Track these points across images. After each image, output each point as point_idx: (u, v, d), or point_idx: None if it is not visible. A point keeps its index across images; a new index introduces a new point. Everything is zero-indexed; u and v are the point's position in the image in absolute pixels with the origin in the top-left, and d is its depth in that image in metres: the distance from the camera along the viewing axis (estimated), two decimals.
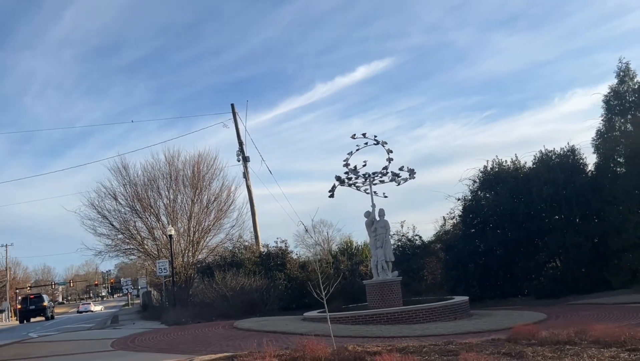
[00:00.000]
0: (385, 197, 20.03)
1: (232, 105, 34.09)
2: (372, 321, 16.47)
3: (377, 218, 19.37)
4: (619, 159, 25.42)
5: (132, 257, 38.57)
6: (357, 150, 19.55)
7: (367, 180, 19.47)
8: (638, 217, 23.35)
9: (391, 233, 22.00)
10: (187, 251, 33.62)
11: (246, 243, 31.69)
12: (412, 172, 19.35)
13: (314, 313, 18.65)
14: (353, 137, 19.52)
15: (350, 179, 19.72)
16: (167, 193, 34.35)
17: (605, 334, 9.14)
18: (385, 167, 19.43)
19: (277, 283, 26.88)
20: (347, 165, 19.51)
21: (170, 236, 29.33)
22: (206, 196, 34.78)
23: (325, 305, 10.16)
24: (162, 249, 33.90)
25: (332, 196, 19.94)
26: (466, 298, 18.53)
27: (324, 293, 10.09)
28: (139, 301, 64.52)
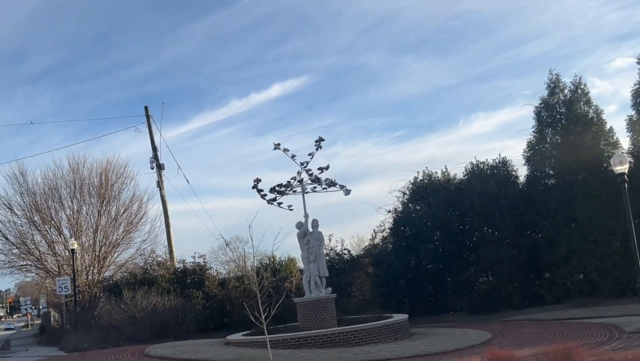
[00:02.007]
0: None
1: (146, 108, 31.44)
2: (306, 345, 14.68)
3: (310, 230, 17.68)
4: (549, 171, 25.16)
5: (30, 274, 34.74)
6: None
7: (299, 187, 17.75)
8: (571, 230, 23.04)
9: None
10: (92, 268, 30.44)
11: (159, 259, 29.00)
12: (325, 168, 17.97)
13: (238, 337, 16.62)
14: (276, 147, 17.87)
15: (279, 188, 17.96)
16: (70, 203, 31.10)
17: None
18: (313, 170, 17.83)
19: (194, 303, 24.51)
20: (281, 148, 17.79)
21: (73, 250, 26.26)
22: (115, 208, 31.80)
23: (265, 329, 8.28)
24: (64, 265, 30.55)
25: (278, 204, 18.18)
26: (406, 316, 17.15)
27: (263, 316, 8.20)
28: (40, 322, 59.24)
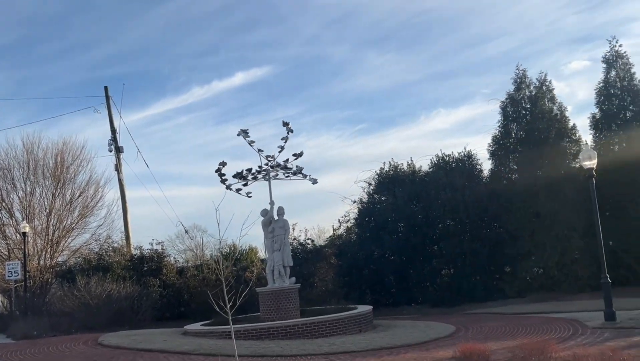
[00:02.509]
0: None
1: (106, 88, 30.27)
2: (268, 336, 14.25)
3: (276, 217, 17.21)
4: (513, 166, 25.27)
5: None
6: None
7: (264, 172, 17.23)
8: (533, 224, 23.16)
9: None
10: (44, 253, 29.17)
11: (115, 245, 27.99)
12: (299, 155, 17.46)
13: (196, 326, 16.06)
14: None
15: (244, 173, 17.37)
16: (23, 184, 29.65)
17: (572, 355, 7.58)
18: (285, 156, 17.31)
19: (150, 291, 23.69)
20: (244, 135, 17.16)
21: (24, 233, 25.08)
22: (70, 191, 30.45)
23: (230, 319, 7.80)
24: (15, 249, 29.22)
25: (237, 191, 17.57)
26: (370, 307, 16.87)
27: (228, 306, 7.72)
28: None
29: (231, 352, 12.37)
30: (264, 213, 17.24)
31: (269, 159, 17.27)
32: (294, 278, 17.35)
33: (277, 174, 17.44)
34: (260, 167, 17.37)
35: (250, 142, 17.07)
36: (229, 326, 14.90)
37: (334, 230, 27.89)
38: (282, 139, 17.22)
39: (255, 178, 17.64)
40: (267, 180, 17.53)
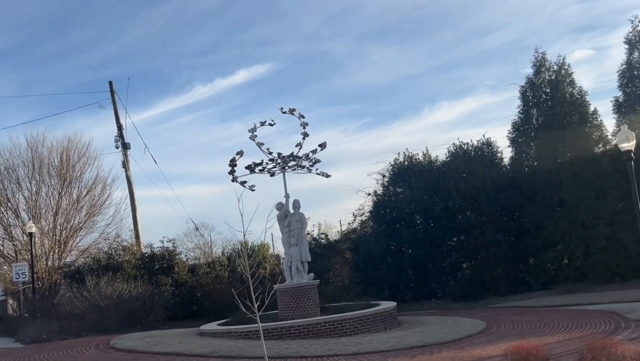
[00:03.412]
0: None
1: (110, 83, 29.49)
2: (290, 335, 13.44)
3: (291, 211, 16.38)
4: (534, 153, 24.32)
5: None
6: (270, 125, 16.41)
7: (279, 163, 16.37)
8: (557, 213, 22.26)
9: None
10: (52, 253, 28.48)
11: (125, 243, 27.27)
12: (322, 146, 16.52)
13: (213, 326, 15.26)
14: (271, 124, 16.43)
15: (255, 166, 16.48)
16: (28, 184, 28.98)
17: None
18: (299, 144, 16.40)
19: (162, 290, 22.98)
20: (253, 137, 16.24)
21: (31, 234, 24.39)
22: (77, 189, 29.76)
23: (259, 320, 7.00)
24: (22, 251, 28.56)
25: (250, 188, 16.69)
26: (394, 304, 16.01)
27: (256, 305, 6.92)
28: None
29: (252, 354, 11.61)
30: (279, 206, 16.41)
31: (276, 154, 16.41)
32: (312, 274, 16.53)
33: (296, 167, 16.55)
34: (273, 159, 16.50)
35: (259, 144, 16.17)
36: (247, 326, 14.19)
37: (348, 224, 27.08)
38: (301, 134, 16.39)
39: (265, 170, 16.73)
40: (278, 174, 16.69)
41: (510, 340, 11.98)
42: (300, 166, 16.50)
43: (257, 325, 13.94)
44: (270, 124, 16.59)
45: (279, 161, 16.25)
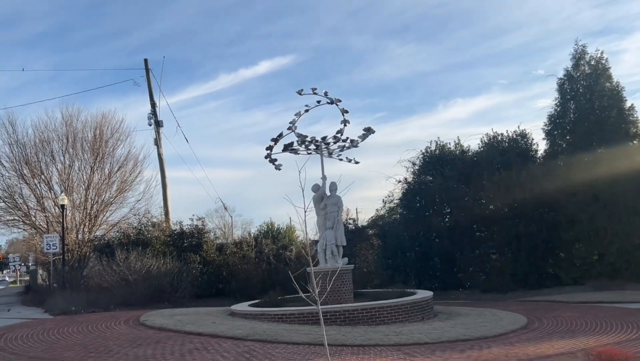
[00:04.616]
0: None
1: (146, 60, 28.55)
2: (325, 321, 12.39)
3: (328, 193, 15.35)
4: (570, 146, 22.95)
5: (17, 230, 31.90)
6: (307, 110, 15.25)
7: (319, 146, 15.28)
8: (592, 208, 20.96)
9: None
10: (82, 226, 27.83)
11: (154, 220, 26.49)
12: (368, 131, 15.36)
13: (244, 307, 14.32)
14: (300, 92, 15.13)
15: (295, 143, 15.40)
16: (62, 157, 28.31)
17: None
18: (340, 131, 15.28)
19: (190, 267, 22.14)
20: (293, 128, 15.13)
21: (63, 206, 23.66)
22: (109, 165, 29.07)
23: (319, 306, 6.00)
24: (53, 223, 27.93)
25: (277, 167, 15.65)
26: (431, 293, 14.94)
27: (317, 290, 5.92)
28: (28, 278, 56.50)
29: (288, 339, 10.64)
30: (316, 188, 15.39)
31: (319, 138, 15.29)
32: (346, 259, 15.54)
33: (337, 150, 15.48)
34: (312, 140, 15.40)
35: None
36: (282, 309, 13.21)
37: (376, 211, 26.02)
38: (342, 122, 15.28)
39: (304, 151, 15.65)
40: (322, 154, 15.62)
41: (560, 337, 10.91)
42: (343, 148, 15.45)
43: (292, 308, 13.04)
44: (307, 109, 15.42)
45: (319, 142, 15.16)
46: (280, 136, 14.42)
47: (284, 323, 12.45)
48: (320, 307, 6.01)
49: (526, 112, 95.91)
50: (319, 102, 15.09)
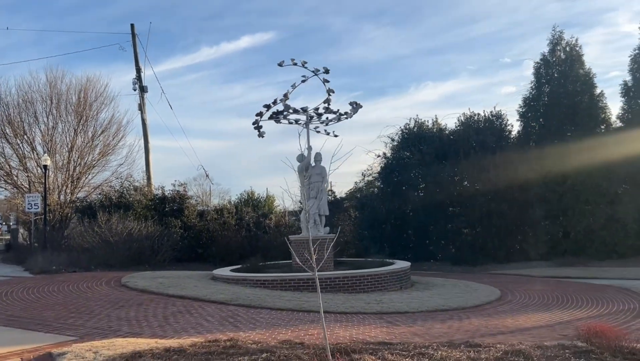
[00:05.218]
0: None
1: (132, 25, 27.27)
2: (307, 288, 12.06)
3: (313, 164, 14.86)
4: (542, 128, 22.82)
5: None
6: (303, 81, 14.53)
7: (312, 116, 14.69)
8: (562, 188, 20.93)
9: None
10: (64, 188, 26.83)
11: (137, 184, 25.66)
12: (356, 106, 14.78)
13: (226, 272, 13.84)
14: (281, 64, 14.38)
15: (281, 113, 14.77)
16: (45, 119, 27.07)
17: None
18: (327, 101, 14.66)
19: (171, 231, 21.50)
20: (284, 99, 14.41)
21: (45, 166, 22.67)
22: (92, 128, 27.88)
23: (316, 273, 5.55)
24: (35, 183, 26.86)
25: (260, 134, 14.99)
26: (408, 264, 14.68)
27: (314, 258, 5.47)
28: (8, 238, 54.96)
29: (272, 305, 10.21)
30: (301, 158, 14.85)
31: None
32: (327, 228, 15.13)
33: (334, 119, 14.89)
34: (299, 110, 14.78)
35: (288, 107, 14.23)
36: (264, 275, 12.79)
37: (355, 183, 25.64)
38: (327, 91, 14.60)
39: (325, 119, 15.00)
40: (308, 124, 15.02)
41: (535, 310, 10.72)
42: (326, 121, 14.86)
43: (275, 275, 12.61)
44: (303, 80, 14.70)
45: (311, 112, 14.55)
46: (275, 102, 13.74)
47: (266, 289, 12.04)
48: (317, 273, 5.52)
49: (492, 97, 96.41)
50: (309, 74, 14.40)
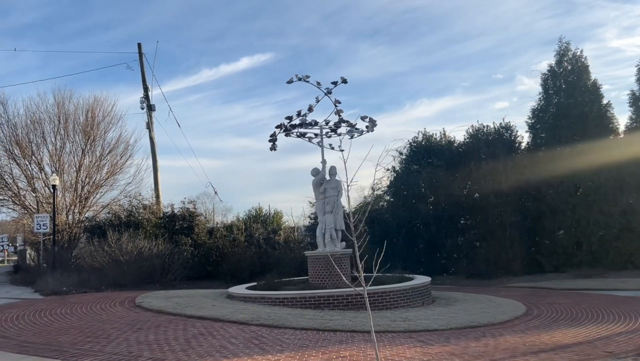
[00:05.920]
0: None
1: (139, 45, 26.97)
2: (328, 305, 11.46)
3: (328, 177, 14.33)
4: (552, 139, 22.32)
5: (7, 210, 30.09)
6: (318, 102, 14.03)
7: (334, 130, 14.26)
8: (575, 199, 20.39)
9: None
10: (73, 207, 26.29)
11: (145, 202, 25.11)
12: (372, 123, 14.31)
13: (242, 290, 13.24)
14: (289, 82, 13.97)
15: (294, 127, 14.32)
16: (53, 139, 26.63)
17: None
18: (339, 113, 14.19)
19: (182, 249, 20.90)
20: (307, 113, 13.93)
21: (54, 186, 22.14)
22: (100, 147, 27.44)
23: (365, 288, 5.05)
24: (44, 203, 26.32)
25: (273, 146, 14.54)
26: (429, 279, 14.10)
27: (362, 274, 4.96)
28: (17, 258, 54.22)
29: (295, 325, 9.62)
30: (315, 172, 14.36)
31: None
32: (344, 243, 14.56)
33: (356, 133, 14.46)
34: (327, 121, 14.34)
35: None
36: (283, 293, 12.17)
37: (364, 198, 25.06)
38: (335, 102, 14.18)
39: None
40: (322, 137, 14.55)
41: (567, 325, 10.11)
42: (357, 134, 14.46)
43: (294, 292, 12.00)
44: (328, 92, 14.21)
45: (331, 127, 14.14)
46: (299, 114, 13.33)
47: (285, 307, 11.44)
48: (366, 288, 4.99)
49: (485, 112, 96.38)
50: (323, 94, 13.94)
